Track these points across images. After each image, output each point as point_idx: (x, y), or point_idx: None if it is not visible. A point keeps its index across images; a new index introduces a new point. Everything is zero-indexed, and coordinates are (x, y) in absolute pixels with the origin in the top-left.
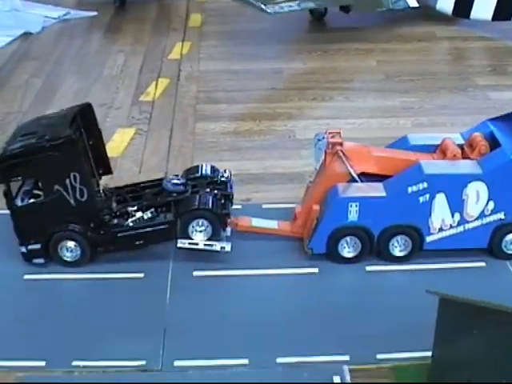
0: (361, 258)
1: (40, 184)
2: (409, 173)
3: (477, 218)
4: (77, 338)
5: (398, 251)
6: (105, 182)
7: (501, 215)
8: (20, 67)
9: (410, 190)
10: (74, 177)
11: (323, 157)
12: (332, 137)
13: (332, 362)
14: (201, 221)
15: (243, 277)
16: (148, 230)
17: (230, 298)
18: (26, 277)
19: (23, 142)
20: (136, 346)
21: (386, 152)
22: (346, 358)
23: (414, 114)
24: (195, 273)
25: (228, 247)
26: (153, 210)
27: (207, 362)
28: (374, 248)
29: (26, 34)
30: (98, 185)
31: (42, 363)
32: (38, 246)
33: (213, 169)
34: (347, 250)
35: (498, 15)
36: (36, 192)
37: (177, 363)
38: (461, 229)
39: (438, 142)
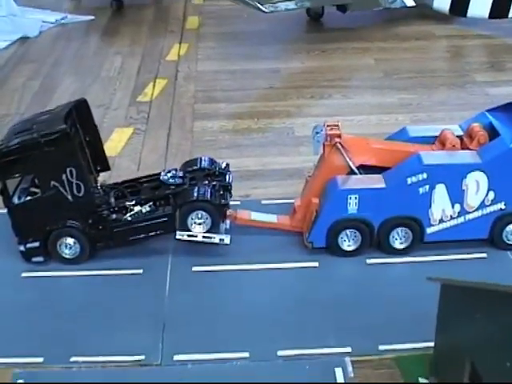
0: (361, 251)
1: (36, 180)
2: (408, 164)
3: (477, 209)
4: (75, 333)
5: (398, 243)
6: (103, 180)
7: (501, 205)
8: (17, 70)
9: (409, 181)
10: (71, 172)
11: (322, 149)
12: (330, 129)
13: (334, 353)
14: (200, 213)
15: (243, 271)
16: (147, 223)
17: (230, 292)
18: (24, 274)
19: (18, 139)
20: (135, 341)
21: (385, 144)
22: (348, 349)
23: (412, 111)
24: (194, 268)
25: (227, 240)
26: (151, 203)
27: (207, 356)
28: (374, 240)
29: (24, 38)
30: (96, 181)
31: (40, 359)
32: (36, 244)
33: (211, 161)
34: (347, 243)
35: (495, 13)
36: (33, 190)
37: (176, 357)
38: (461, 220)
39: (437, 134)
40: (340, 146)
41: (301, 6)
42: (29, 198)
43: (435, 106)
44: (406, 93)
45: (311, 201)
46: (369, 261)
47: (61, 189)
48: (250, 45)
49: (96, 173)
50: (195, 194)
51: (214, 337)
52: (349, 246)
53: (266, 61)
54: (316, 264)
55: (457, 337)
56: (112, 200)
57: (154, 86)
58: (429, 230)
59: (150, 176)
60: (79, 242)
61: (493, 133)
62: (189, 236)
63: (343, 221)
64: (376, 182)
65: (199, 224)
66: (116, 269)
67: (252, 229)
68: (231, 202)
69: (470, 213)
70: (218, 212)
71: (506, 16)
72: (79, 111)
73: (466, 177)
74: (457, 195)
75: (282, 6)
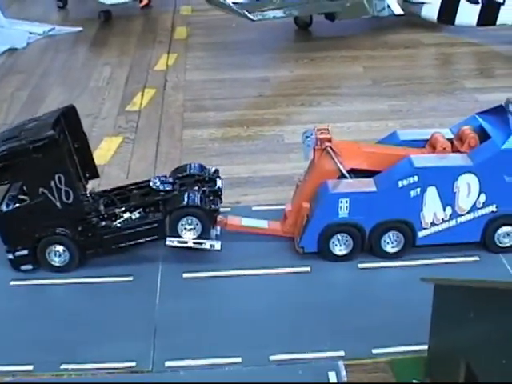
0: (353, 256)
1: (25, 187)
2: (399, 167)
3: (469, 212)
4: (65, 341)
5: (390, 247)
6: (92, 188)
7: (493, 208)
8: (5, 81)
9: (400, 184)
10: (59, 178)
11: (312, 154)
12: (320, 133)
13: (327, 357)
14: (190, 218)
15: (234, 277)
16: (137, 230)
17: (221, 298)
18: (13, 283)
19: (6, 146)
20: (126, 348)
21: (376, 148)
22: (341, 353)
23: (402, 117)
24: (185, 274)
25: (218, 245)
26: (141, 210)
27: (199, 362)
28: (366, 245)
29: (12, 50)
30: (85, 188)
31: (30, 367)
32: (25, 252)
33: (201, 167)
34: (339, 247)
35: (483, 20)
36: (22, 197)
37: (168, 363)
38: (453, 223)
39: (427, 137)
40: (330, 150)
41: (289, 15)
42: (17, 205)
43: (425, 112)
44: (395, 100)
45: (302, 205)
46: (361, 265)
47: (49, 196)
48: (238, 54)
49: (85, 180)
50: (185, 200)
51: (205, 343)
52: (340, 250)
53: (255, 70)
54: (308, 269)
55: (451, 337)
56: (101, 207)
57: (142, 95)
58: (420, 234)
59: (139, 183)
60: (69, 249)
61: (483, 135)
62: (179, 242)
63: (334, 225)
64: (367, 185)
65: (189, 230)
66: (106, 276)
67: (243, 235)
68: (222, 209)
69: (461, 215)
70: (208, 218)
71: (494, 23)
72: (67, 118)
73: (457, 179)
74: (448, 198)
75: (270, 14)
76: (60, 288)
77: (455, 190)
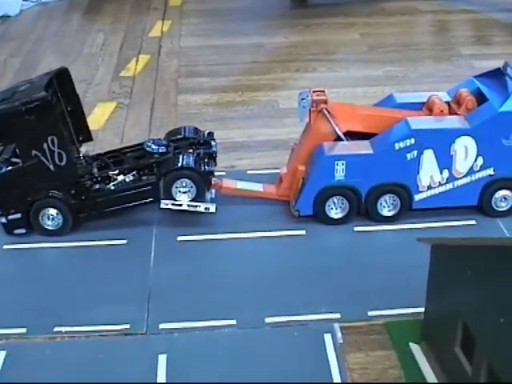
0: (349, 219)
1: (17, 150)
2: (396, 129)
3: (466, 175)
4: (59, 304)
5: (386, 211)
6: (86, 151)
7: (490, 171)
8: None
9: (397, 146)
10: (52, 141)
11: (308, 116)
12: (316, 95)
13: (323, 320)
14: (184, 181)
15: (229, 240)
16: (130, 192)
17: (216, 261)
18: (6, 247)
19: None
20: (120, 311)
21: (372, 110)
22: (337, 315)
23: (398, 83)
24: (179, 238)
25: (212, 208)
26: (135, 172)
27: (193, 324)
28: (362, 208)
29: (4, 17)
30: (79, 151)
31: (23, 330)
32: (18, 216)
33: (195, 130)
34: (335, 210)
35: None
36: (14, 160)
37: (162, 326)
38: (450, 186)
39: (425, 100)
40: (326, 112)
41: None
42: (10, 168)
43: (421, 78)
44: (391, 66)
45: (297, 168)
46: (356, 228)
47: (42, 158)
48: (233, 21)
49: (78, 143)
50: (179, 162)
51: (200, 305)
52: (336, 213)
53: (250, 36)
54: (303, 232)
55: (448, 298)
56: (95, 170)
57: (136, 61)
58: (417, 197)
59: (133, 146)
60: (62, 212)
61: (481, 98)
62: (174, 205)
63: (330, 188)
64: (363, 148)
65: (184, 193)
66: (100, 240)
67: (238, 198)
68: (216, 173)
69: (458, 179)
70: (202, 180)
71: None
72: (60, 80)
73: (454, 142)
74: (445, 161)
75: None
76: (53, 251)
77: (452, 152)
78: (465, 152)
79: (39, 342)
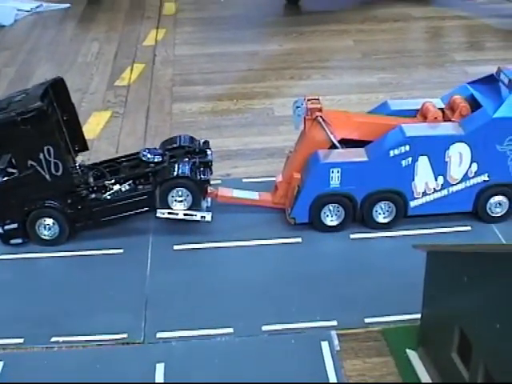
0: (344, 226)
1: (13, 160)
2: (390, 136)
3: (460, 181)
4: (56, 314)
5: (381, 218)
6: (82, 160)
7: (484, 177)
8: None
9: (392, 153)
10: (48, 151)
11: (302, 124)
12: (311, 103)
13: (319, 327)
14: (180, 190)
15: (225, 248)
16: (126, 201)
17: (212, 270)
18: (2, 257)
19: None
20: (117, 320)
21: (367, 117)
22: (334, 323)
23: (392, 89)
24: (176, 247)
25: (208, 217)
26: (131, 182)
27: (191, 333)
28: (358, 215)
29: None
30: (74, 161)
31: (21, 340)
32: (14, 226)
33: (191, 139)
34: (330, 218)
35: None
36: (10, 170)
37: (159, 335)
38: (445, 192)
39: (419, 107)
40: (321, 120)
41: None
42: (6, 178)
43: (415, 85)
44: (385, 72)
45: (293, 176)
46: (352, 235)
47: (38, 168)
48: (227, 29)
49: (74, 153)
50: (175, 171)
51: (197, 314)
52: (332, 220)
53: (244, 44)
54: (299, 240)
55: (444, 304)
56: (91, 179)
57: (131, 70)
58: (412, 204)
59: (128, 155)
60: (58, 222)
61: (474, 104)
62: (170, 214)
63: (326, 195)
64: (358, 155)
65: (180, 201)
66: (96, 249)
67: (234, 206)
68: (212, 182)
69: (453, 185)
70: (198, 189)
71: None
72: (56, 90)
73: (448, 148)
74: (440, 167)
75: None
76: (50, 261)
77: (447, 159)
78: (459, 158)
79: (37, 352)
